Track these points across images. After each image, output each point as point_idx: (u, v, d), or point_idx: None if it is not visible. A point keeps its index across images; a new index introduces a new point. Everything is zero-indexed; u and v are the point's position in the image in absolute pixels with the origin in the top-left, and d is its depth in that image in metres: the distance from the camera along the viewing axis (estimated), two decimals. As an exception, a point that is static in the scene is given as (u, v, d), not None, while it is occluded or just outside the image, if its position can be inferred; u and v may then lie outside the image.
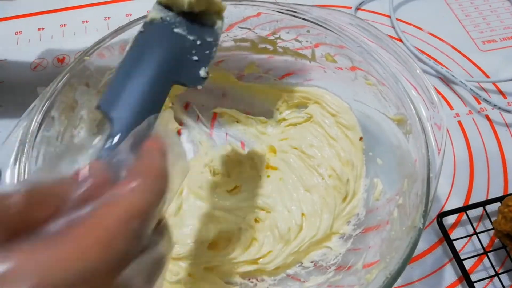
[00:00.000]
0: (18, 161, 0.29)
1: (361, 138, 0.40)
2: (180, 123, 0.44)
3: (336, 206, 0.38)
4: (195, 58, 0.26)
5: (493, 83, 0.51)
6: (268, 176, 0.40)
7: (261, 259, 0.36)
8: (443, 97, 0.50)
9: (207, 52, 0.27)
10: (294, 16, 0.36)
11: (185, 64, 0.26)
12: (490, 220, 0.40)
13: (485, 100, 0.48)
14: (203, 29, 0.27)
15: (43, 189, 0.16)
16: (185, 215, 0.37)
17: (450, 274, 0.39)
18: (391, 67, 0.34)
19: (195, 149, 0.43)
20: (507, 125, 0.48)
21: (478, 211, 0.42)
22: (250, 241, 0.37)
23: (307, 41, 0.39)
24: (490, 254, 0.39)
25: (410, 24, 0.57)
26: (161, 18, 0.26)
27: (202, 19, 0.27)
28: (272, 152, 0.42)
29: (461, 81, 0.49)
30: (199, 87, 0.26)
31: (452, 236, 0.40)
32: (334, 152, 0.40)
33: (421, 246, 0.40)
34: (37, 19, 0.54)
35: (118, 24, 0.48)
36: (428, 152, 0.30)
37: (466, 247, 0.40)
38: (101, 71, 0.35)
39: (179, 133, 0.44)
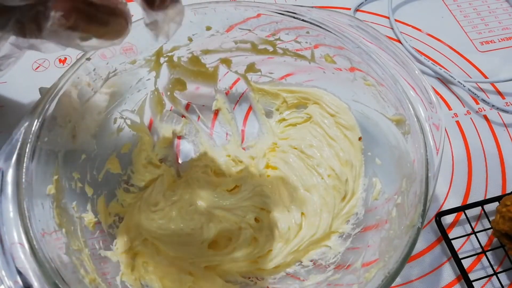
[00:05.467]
0: (20, 160, 0.29)
1: (360, 138, 0.40)
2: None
3: (335, 206, 0.38)
4: None
5: (491, 83, 0.52)
6: (268, 176, 0.41)
7: (261, 258, 0.37)
8: (441, 97, 0.50)
9: None
10: (294, 17, 0.37)
11: None
12: (488, 220, 0.41)
13: (483, 101, 0.48)
14: None
15: None
16: (185, 215, 0.38)
17: (448, 273, 0.39)
18: (390, 68, 0.34)
19: (196, 149, 0.44)
20: (505, 125, 0.49)
21: (476, 210, 0.42)
22: (250, 240, 0.37)
23: (306, 42, 0.39)
24: (488, 253, 0.39)
25: (408, 25, 0.57)
26: None
27: None
28: (272, 152, 0.43)
29: (459, 82, 0.50)
30: None
31: (451, 235, 0.40)
32: (333, 152, 0.40)
33: (420, 245, 0.40)
34: (38, 20, 0.54)
35: (119, 25, 0.48)
36: (427, 152, 0.31)
37: (464, 246, 0.40)
38: (103, 72, 0.35)
39: (178, 137, 0.44)
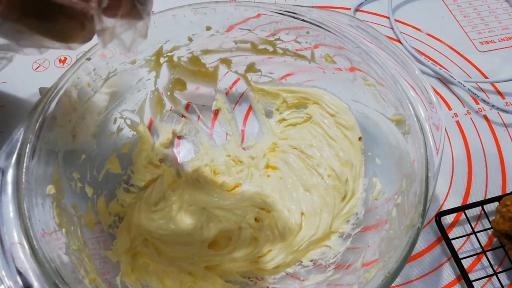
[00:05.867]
0: (20, 160, 0.29)
1: (360, 138, 0.40)
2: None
3: (335, 206, 0.38)
4: None
5: (491, 83, 0.52)
6: (268, 176, 0.41)
7: (261, 258, 0.37)
8: (441, 97, 0.50)
9: None
10: (294, 17, 0.37)
11: None
12: (488, 220, 0.41)
13: (483, 101, 0.48)
14: None
15: None
16: (186, 214, 0.38)
17: (448, 273, 0.39)
18: (390, 68, 0.34)
19: (196, 149, 0.44)
20: (505, 125, 0.49)
21: (476, 210, 0.42)
22: (250, 240, 0.37)
23: (306, 42, 0.39)
24: (488, 253, 0.39)
25: (408, 25, 0.57)
26: None
27: None
28: (272, 152, 0.43)
29: (459, 82, 0.50)
30: None
31: (451, 235, 0.40)
32: (333, 152, 0.40)
33: (420, 245, 0.40)
34: (38, 20, 0.54)
35: (119, 25, 0.48)
36: (427, 152, 0.31)
37: (464, 246, 0.40)
38: (103, 72, 0.35)
39: (178, 137, 0.44)
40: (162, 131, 0.43)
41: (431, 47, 0.55)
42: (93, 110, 0.36)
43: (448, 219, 0.42)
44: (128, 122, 0.40)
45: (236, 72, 0.43)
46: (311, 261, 0.37)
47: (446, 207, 0.42)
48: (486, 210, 0.42)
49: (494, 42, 0.56)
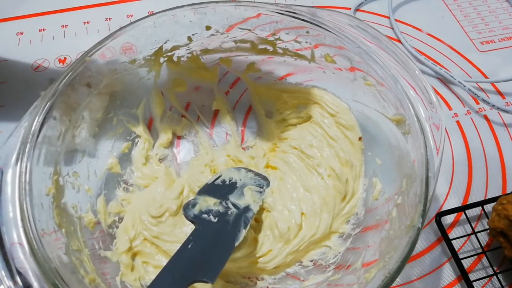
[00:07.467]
0: (19, 160, 0.29)
1: (360, 138, 0.40)
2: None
3: (336, 206, 0.38)
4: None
5: (492, 83, 0.52)
6: (268, 175, 0.41)
7: (261, 258, 0.37)
8: (441, 97, 0.50)
9: None
10: (294, 17, 0.36)
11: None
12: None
13: (484, 100, 0.48)
14: None
15: None
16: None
17: (448, 273, 0.39)
18: (390, 67, 0.34)
19: (196, 149, 0.44)
20: (505, 125, 0.49)
21: (477, 210, 0.42)
22: (250, 240, 0.37)
23: (306, 42, 0.39)
24: (488, 254, 0.39)
25: (409, 25, 0.57)
26: None
27: None
28: (272, 152, 0.43)
29: (459, 82, 0.50)
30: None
31: (451, 235, 0.40)
32: (334, 152, 0.40)
33: (420, 245, 0.40)
34: (39, 20, 0.54)
35: (119, 25, 0.48)
36: (427, 152, 0.31)
37: (464, 246, 0.40)
38: (102, 72, 0.35)
39: (178, 137, 0.44)
40: (162, 131, 0.43)
41: (431, 47, 0.55)
42: (93, 110, 0.36)
43: (448, 219, 0.42)
44: (128, 122, 0.40)
45: (236, 72, 0.43)
46: (311, 261, 0.37)
47: (446, 207, 0.42)
48: (486, 210, 0.41)
49: (494, 42, 0.56)
